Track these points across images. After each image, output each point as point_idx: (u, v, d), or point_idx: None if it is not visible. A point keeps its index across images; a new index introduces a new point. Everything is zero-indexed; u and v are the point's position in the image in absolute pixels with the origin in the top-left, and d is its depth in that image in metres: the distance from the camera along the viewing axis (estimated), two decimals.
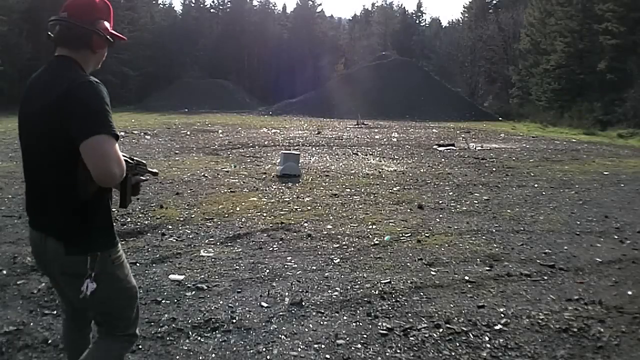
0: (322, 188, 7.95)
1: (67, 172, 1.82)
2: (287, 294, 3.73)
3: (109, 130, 1.76)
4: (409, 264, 4.43)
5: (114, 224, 2.06)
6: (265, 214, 6.16)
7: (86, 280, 1.86)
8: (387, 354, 2.92)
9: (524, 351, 2.97)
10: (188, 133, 17.71)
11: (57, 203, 1.89)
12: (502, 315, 3.42)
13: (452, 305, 3.57)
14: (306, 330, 3.19)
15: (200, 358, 2.85)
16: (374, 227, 5.64)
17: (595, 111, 26.49)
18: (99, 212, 1.99)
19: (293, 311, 3.44)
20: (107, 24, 1.99)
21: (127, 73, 43.56)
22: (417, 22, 68.72)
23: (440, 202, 7.03)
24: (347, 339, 3.07)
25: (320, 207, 6.56)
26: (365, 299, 3.66)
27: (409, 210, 6.47)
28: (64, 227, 1.89)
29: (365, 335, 3.12)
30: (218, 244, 4.95)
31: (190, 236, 5.18)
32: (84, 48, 1.94)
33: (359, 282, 3.98)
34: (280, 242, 5.03)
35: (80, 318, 2.18)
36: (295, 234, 5.33)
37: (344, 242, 5.03)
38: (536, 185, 8.46)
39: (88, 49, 1.95)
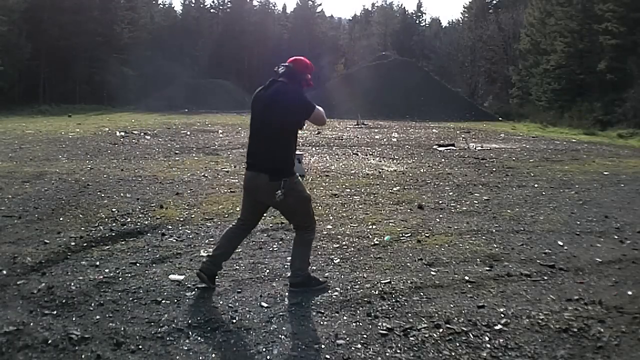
0: (322, 188, 7.95)
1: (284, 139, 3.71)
2: (287, 294, 3.73)
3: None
4: (409, 264, 4.43)
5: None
6: (265, 214, 6.15)
7: (278, 193, 3.57)
8: (387, 354, 2.92)
9: (524, 351, 2.97)
10: (188, 133, 17.71)
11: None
12: (502, 315, 3.42)
13: (452, 305, 3.57)
14: (306, 330, 3.19)
15: (200, 358, 2.85)
16: (374, 227, 5.64)
17: (595, 111, 26.51)
18: (286, 161, 3.70)
19: (293, 311, 3.44)
20: (309, 76, 3.84)
21: (127, 73, 43.59)
22: (417, 22, 68.78)
23: (440, 202, 7.03)
24: (347, 339, 3.07)
25: (320, 207, 6.56)
26: (365, 299, 3.66)
27: (409, 210, 6.47)
28: (271, 168, 3.64)
29: (365, 335, 3.12)
30: None
31: (190, 236, 5.18)
32: (295, 84, 3.75)
33: (359, 282, 3.98)
34: (280, 242, 5.03)
35: (249, 227, 4.04)
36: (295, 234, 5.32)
37: (344, 242, 5.03)
38: (536, 185, 8.46)
39: (298, 85, 3.76)
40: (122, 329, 3.13)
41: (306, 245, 3.87)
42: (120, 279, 3.96)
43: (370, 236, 5.26)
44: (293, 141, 3.78)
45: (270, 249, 4.79)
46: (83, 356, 2.83)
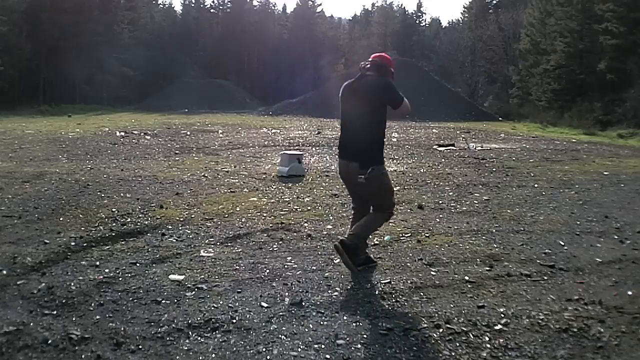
0: (322, 188, 7.95)
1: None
2: (287, 294, 3.73)
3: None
4: (409, 264, 4.43)
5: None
6: (265, 214, 6.16)
7: (359, 178, 3.97)
8: (387, 354, 2.92)
9: (524, 351, 2.97)
10: (188, 133, 17.71)
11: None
12: (502, 315, 3.42)
13: (452, 305, 3.57)
14: (306, 330, 3.19)
15: (200, 358, 2.85)
16: None
17: (595, 111, 26.49)
18: (377, 150, 4.07)
19: (293, 311, 3.44)
20: (392, 69, 4.21)
21: (127, 73, 43.59)
22: (417, 22, 68.81)
23: (440, 202, 7.03)
24: (347, 339, 3.07)
25: (320, 207, 6.56)
26: (365, 299, 3.66)
27: (409, 210, 6.47)
28: (361, 156, 4.01)
29: (365, 335, 3.12)
30: (218, 244, 4.95)
31: (190, 236, 5.18)
32: (383, 77, 4.09)
33: (359, 282, 3.98)
34: (280, 242, 5.03)
35: (363, 209, 4.28)
36: (295, 234, 5.33)
37: None
38: (536, 185, 8.46)
39: (384, 76, 4.10)
40: (122, 329, 3.13)
41: (376, 222, 4.23)
42: (120, 279, 3.96)
43: (370, 236, 5.25)
44: (383, 131, 4.10)
45: (270, 249, 4.79)
46: (83, 356, 2.83)
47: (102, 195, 7.03)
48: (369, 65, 4.12)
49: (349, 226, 5.60)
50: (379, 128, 4.08)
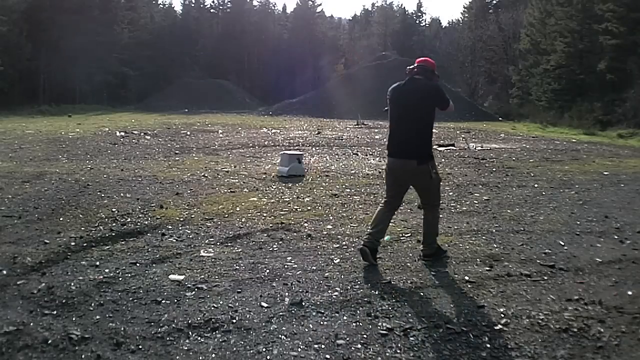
0: (322, 188, 7.95)
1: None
2: (287, 294, 3.73)
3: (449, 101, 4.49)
4: (409, 264, 4.43)
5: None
6: (265, 214, 6.16)
7: (432, 172, 4.38)
8: (387, 354, 2.92)
9: (524, 351, 2.97)
10: (188, 133, 17.71)
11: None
12: (502, 315, 3.42)
13: (452, 305, 3.57)
14: (306, 330, 3.19)
15: (200, 358, 2.85)
16: None
17: (595, 111, 26.49)
18: (429, 147, 4.46)
19: (293, 311, 3.44)
20: (436, 72, 4.54)
21: (127, 73, 43.63)
22: (417, 22, 68.86)
23: (441, 202, 7.02)
24: (347, 339, 3.07)
25: (320, 207, 6.56)
26: (365, 299, 3.65)
27: (409, 210, 6.46)
28: (418, 153, 4.35)
29: (365, 335, 3.12)
30: (218, 244, 4.95)
31: (190, 236, 5.18)
32: (428, 78, 4.43)
33: (359, 282, 3.98)
34: (280, 242, 5.03)
35: (395, 207, 4.62)
36: (295, 234, 5.33)
37: (344, 242, 5.02)
38: (536, 185, 8.46)
39: (430, 80, 4.45)
40: (122, 329, 3.13)
41: (436, 221, 4.55)
42: (120, 279, 3.96)
43: None
44: (432, 129, 4.49)
45: (270, 249, 4.79)
46: (83, 356, 2.83)
47: (102, 195, 7.03)
48: (416, 70, 4.43)
49: (350, 225, 5.62)
50: (430, 127, 4.44)
